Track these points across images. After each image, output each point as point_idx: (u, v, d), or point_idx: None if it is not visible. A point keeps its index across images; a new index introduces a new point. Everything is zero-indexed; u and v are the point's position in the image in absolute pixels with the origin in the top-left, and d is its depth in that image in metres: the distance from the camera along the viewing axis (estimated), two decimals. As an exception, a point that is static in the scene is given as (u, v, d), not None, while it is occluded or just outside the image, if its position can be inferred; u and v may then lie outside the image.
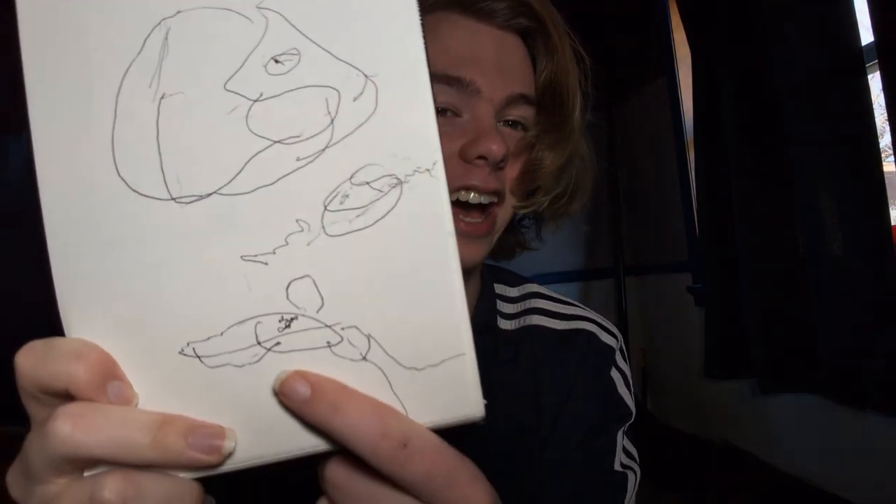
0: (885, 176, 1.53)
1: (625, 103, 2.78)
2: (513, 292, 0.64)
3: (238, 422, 0.23)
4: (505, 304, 0.63)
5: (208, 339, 0.23)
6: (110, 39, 0.23)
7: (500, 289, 0.64)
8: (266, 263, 0.23)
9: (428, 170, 0.23)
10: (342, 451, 0.23)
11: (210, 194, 0.23)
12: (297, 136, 0.23)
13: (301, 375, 0.22)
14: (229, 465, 0.23)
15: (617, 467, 0.56)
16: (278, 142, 0.23)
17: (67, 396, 0.22)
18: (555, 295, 0.64)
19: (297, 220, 0.23)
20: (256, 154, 0.23)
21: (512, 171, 0.53)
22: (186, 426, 0.22)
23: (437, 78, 0.47)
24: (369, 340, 0.23)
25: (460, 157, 0.48)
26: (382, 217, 0.23)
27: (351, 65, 0.23)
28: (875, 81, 1.59)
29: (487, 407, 0.24)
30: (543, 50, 0.53)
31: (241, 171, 0.23)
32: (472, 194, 0.48)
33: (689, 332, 2.35)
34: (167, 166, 0.23)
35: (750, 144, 1.85)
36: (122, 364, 0.23)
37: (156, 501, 0.22)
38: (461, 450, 0.24)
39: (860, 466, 1.64)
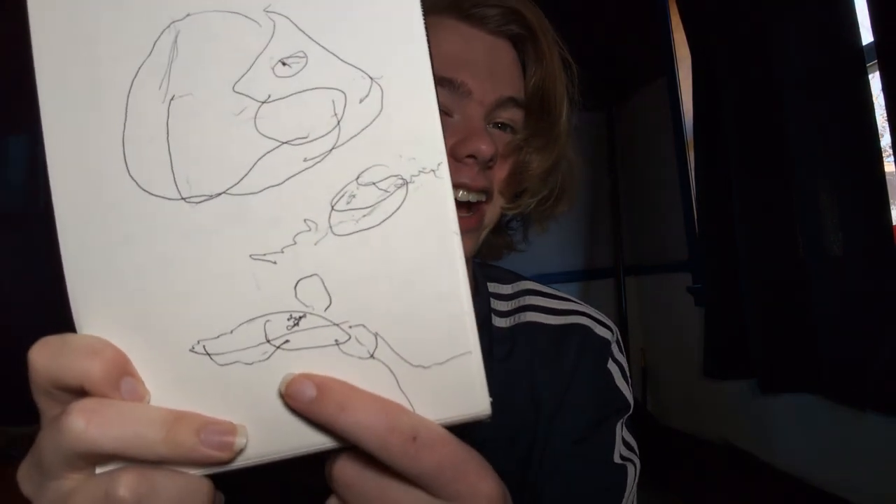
0: (886, 176, 1.54)
1: (625, 103, 2.78)
2: (506, 289, 0.64)
3: (248, 419, 0.23)
4: (498, 301, 0.63)
5: (218, 336, 0.23)
6: (120, 41, 0.23)
7: (493, 287, 0.64)
8: (275, 262, 0.23)
9: (433, 170, 0.24)
10: (350, 448, 0.23)
11: (219, 194, 0.23)
12: (305, 138, 0.24)
13: (306, 377, 0.23)
14: (240, 462, 0.23)
15: (617, 460, 0.56)
16: (286, 143, 0.24)
17: (80, 392, 0.22)
18: (548, 290, 0.65)
19: (304, 220, 0.23)
20: (265, 155, 0.24)
21: (500, 172, 0.55)
22: (199, 422, 0.22)
23: None
24: (376, 338, 0.24)
25: (450, 156, 0.49)
26: (389, 217, 0.24)
27: (357, 67, 0.24)
28: (875, 81, 1.59)
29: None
30: (533, 56, 0.55)
31: (249, 172, 0.23)
32: (461, 192, 0.50)
33: (689, 332, 2.35)
34: (177, 166, 0.23)
35: (750, 144, 1.85)
36: (133, 361, 0.23)
37: (169, 498, 0.22)
38: None
39: (860, 466, 1.65)
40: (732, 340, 2.01)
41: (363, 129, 0.24)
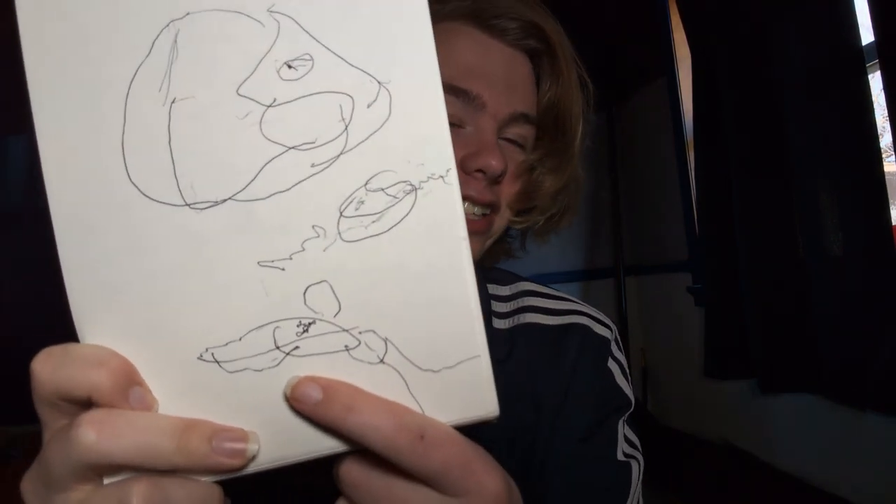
0: (886, 176, 1.54)
1: (625, 103, 2.78)
2: (505, 291, 0.64)
3: (258, 425, 0.23)
4: (497, 303, 0.63)
5: (227, 344, 0.23)
6: (117, 41, 0.23)
7: (492, 288, 0.64)
8: (283, 269, 0.23)
9: (442, 176, 0.24)
10: (358, 451, 0.23)
11: (225, 200, 0.23)
12: (312, 143, 0.23)
13: (311, 379, 0.23)
14: (251, 468, 0.23)
15: (620, 457, 0.56)
16: (293, 148, 0.23)
17: (86, 403, 0.22)
18: (547, 290, 0.65)
19: (312, 226, 0.23)
20: (271, 160, 0.23)
21: (510, 187, 0.55)
22: (210, 430, 0.22)
23: (444, 88, 0.48)
24: (386, 343, 0.24)
25: (460, 168, 0.49)
26: (397, 223, 0.23)
27: (364, 71, 0.23)
28: (875, 81, 1.59)
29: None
30: (549, 72, 0.55)
31: (256, 177, 0.23)
32: (466, 204, 0.50)
33: (689, 332, 2.35)
34: (180, 172, 0.23)
35: (750, 144, 1.85)
36: (139, 370, 0.23)
37: None
38: None
39: (860, 466, 1.65)
40: (732, 340, 2.01)
41: (371, 135, 0.23)
